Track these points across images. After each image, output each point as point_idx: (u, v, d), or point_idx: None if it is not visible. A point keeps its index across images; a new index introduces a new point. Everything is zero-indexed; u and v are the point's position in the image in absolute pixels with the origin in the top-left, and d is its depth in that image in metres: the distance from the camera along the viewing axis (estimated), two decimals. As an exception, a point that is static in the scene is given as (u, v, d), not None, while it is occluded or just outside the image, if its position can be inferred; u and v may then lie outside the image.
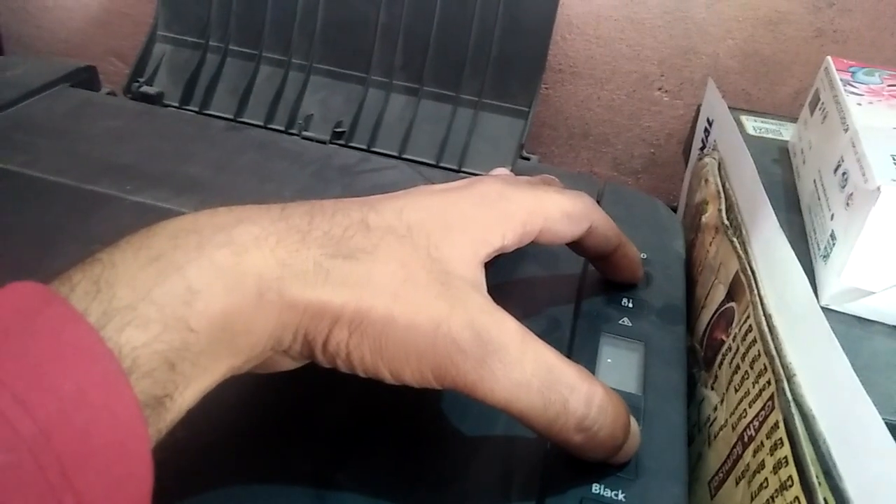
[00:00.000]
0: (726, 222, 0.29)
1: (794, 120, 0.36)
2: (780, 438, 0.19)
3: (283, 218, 0.18)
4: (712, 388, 0.25)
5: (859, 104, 0.28)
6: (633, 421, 0.20)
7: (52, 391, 0.13)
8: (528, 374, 0.18)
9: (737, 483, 0.21)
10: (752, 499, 0.19)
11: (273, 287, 0.16)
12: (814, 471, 0.17)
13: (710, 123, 0.38)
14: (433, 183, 0.23)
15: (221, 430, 0.20)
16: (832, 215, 0.25)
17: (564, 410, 0.18)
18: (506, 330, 0.18)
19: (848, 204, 0.24)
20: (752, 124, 0.37)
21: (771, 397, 0.20)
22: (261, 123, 0.42)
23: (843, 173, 0.25)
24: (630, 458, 0.20)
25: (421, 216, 0.20)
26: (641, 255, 0.28)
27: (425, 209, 0.20)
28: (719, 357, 0.25)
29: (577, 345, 0.25)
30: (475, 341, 0.17)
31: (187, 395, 0.15)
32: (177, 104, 0.43)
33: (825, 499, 0.17)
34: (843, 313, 0.24)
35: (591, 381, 0.19)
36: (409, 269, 0.18)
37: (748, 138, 0.35)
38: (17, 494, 0.12)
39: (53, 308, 0.14)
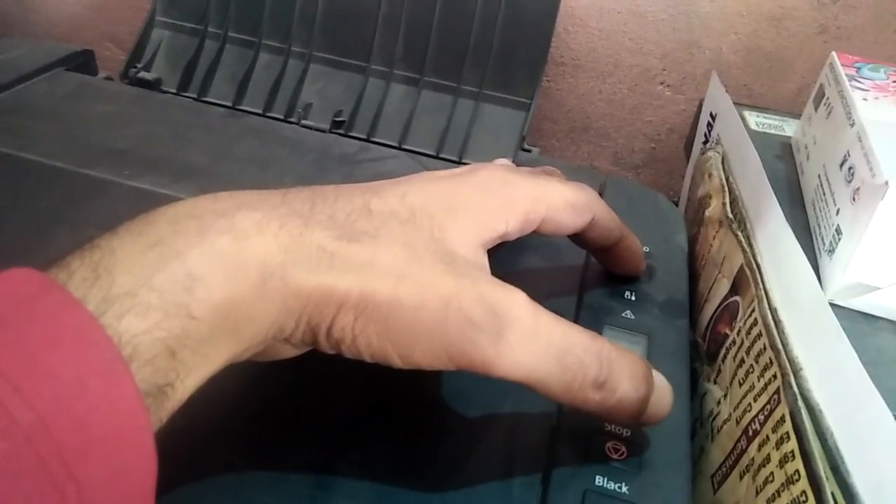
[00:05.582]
0: (730, 216, 0.28)
1: (796, 115, 0.36)
2: (787, 432, 0.19)
3: (285, 203, 0.18)
4: (715, 382, 0.25)
5: (865, 99, 0.27)
6: (660, 377, 0.20)
7: (51, 379, 0.12)
8: (544, 342, 0.18)
9: (741, 477, 0.21)
10: (758, 493, 0.19)
11: (276, 273, 0.16)
12: (821, 465, 0.17)
13: (713, 118, 0.37)
14: None
15: (224, 417, 0.20)
16: (838, 210, 0.25)
17: (581, 370, 0.18)
18: (517, 302, 0.18)
19: (854, 198, 0.23)
20: (754, 119, 0.37)
21: (777, 391, 0.20)
22: (259, 111, 0.42)
23: (850, 168, 0.25)
24: (663, 417, 0.20)
25: (424, 200, 0.19)
26: (644, 248, 0.28)
27: (428, 194, 0.20)
28: (723, 351, 0.25)
29: (580, 337, 0.25)
30: (489, 315, 0.17)
31: (188, 384, 0.15)
32: (174, 90, 0.42)
33: (833, 493, 0.16)
34: (849, 309, 0.23)
35: (598, 338, 0.19)
36: (413, 250, 0.18)
37: (751, 133, 0.35)
38: (16, 484, 0.12)
39: (51, 295, 0.13)
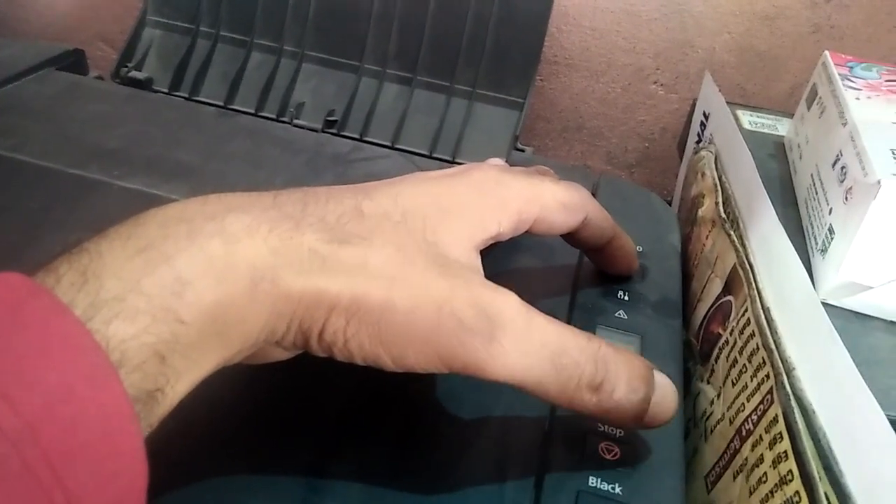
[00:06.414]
0: (723, 215, 0.28)
1: (789, 115, 0.36)
2: (780, 432, 0.19)
3: (276, 206, 0.18)
4: (708, 383, 0.25)
5: (857, 98, 0.28)
6: (662, 377, 0.19)
7: (38, 386, 0.12)
8: (537, 343, 0.17)
9: (734, 477, 0.21)
10: (751, 493, 0.19)
11: (266, 276, 0.16)
12: (814, 465, 0.17)
13: (706, 117, 0.37)
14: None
15: (215, 420, 0.20)
16: (830, 209, 0.25)
17: (577, 372, 0.18)
18: (510, 304, 0.18)
19: (847, 198, 0.23)
20: (747, 119, 0.37)
21: (770, 391, 0.20)
22: (251, 111, 0.42)
23: (842, 167, 0.25)
24: (669, 419, 0.19)
25: (416, 202, 0.19)
26: (637, 248, 0.28)
27: (421, 195, 0.20)
28: (716, 351, 0.25)
29: (573, 337, 0.25)
30: (481, 318, 0.17)
31: (178, 389, 0.15)
32: (166, 90, 0.42)
33: (826, 494, 0.16)
34: (841, 308, 0.23)
35: (594, 339, 0.18)
36: (406, 253, 0.18)
37: (744, 133, 0.35)
38: (4, 490, 0.11)
39: (38, 300, 0.13)
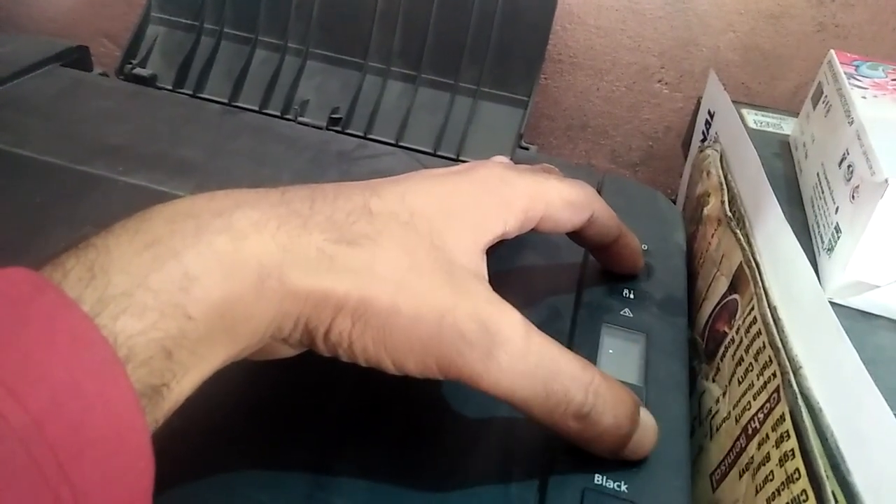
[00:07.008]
0: (729, 214, 0.28)
1: (794, 114, 0.36)
2: (787, 431, 0.19)
3: (284, 202, 0.18)
4: (714, 381, 0.25)
5: (864, 97, 0.27)
6: (647, 415, 0.20)
7: (45, 381, 0.12)
8: (532, 365, 0.18)
9: (740, 475, 0.21)
10: (758, 491, 0.19)
11: (274, 274, 0.16)
12: (821, 464, 0.17)
13: (711, 115, 0.37)
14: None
15: (221, 416, 0.20)
16: (837, 208, 0.25)
17: (565, 399, 0.18)
18: (511, 322, 0.18)
19: (853, 197, 0.23)
20: (752, 117, 0.37)
21: (776, 389, 0.20)
22: (256, 108, 0.42)
23: (849, 166, 0.25)
24: (644, 455, 0.20)
25: (423, 202, 0.19)
26: (642, 246, 0.28)
27: (427, 194, 0.20)
28: (721, 349, 0.25)
29: (578, 335, 0.25)
30: (481, 333, 0.17)
31: (185, 384, 0.15)
32: (170, 87, 0.42)
33: (833, 492, 0.16)
34: (847, 307, 0.23)
35: (589, 369, 0.19)
36: (413, 257, 0.18)
37: (749, 131, 0.35)
38: (10, 486, 0.11)
39: (46, 295, 0.13)
